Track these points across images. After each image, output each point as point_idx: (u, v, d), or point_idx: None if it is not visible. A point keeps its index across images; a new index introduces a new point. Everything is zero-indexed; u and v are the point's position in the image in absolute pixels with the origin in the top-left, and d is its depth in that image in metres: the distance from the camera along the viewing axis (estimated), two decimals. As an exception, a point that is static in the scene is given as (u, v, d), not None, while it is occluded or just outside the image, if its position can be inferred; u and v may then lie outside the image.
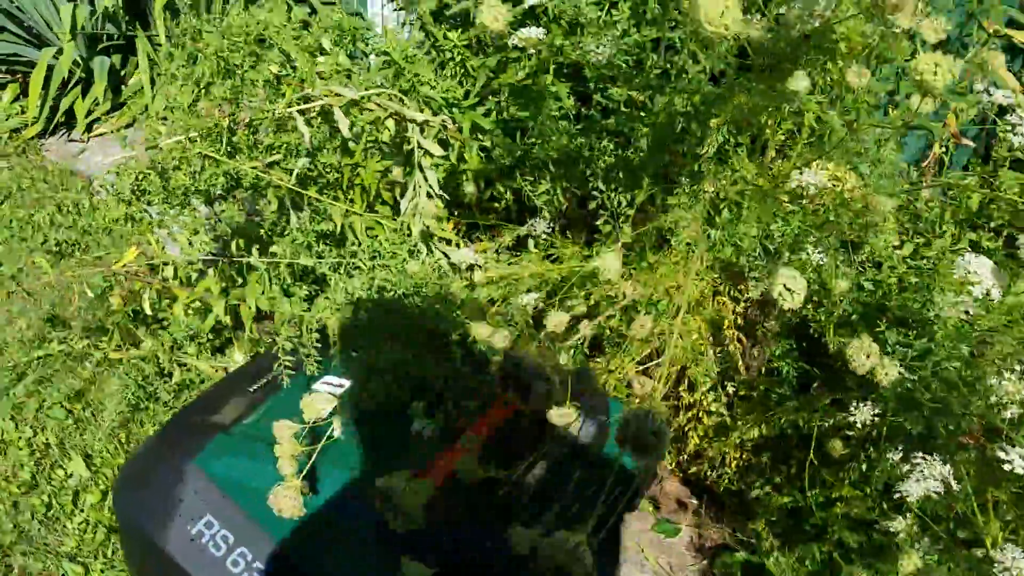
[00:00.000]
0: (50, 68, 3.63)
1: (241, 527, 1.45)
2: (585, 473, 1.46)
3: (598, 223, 1.65)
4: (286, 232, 1.93)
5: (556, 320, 1.18)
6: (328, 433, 1.44)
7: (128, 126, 3.83)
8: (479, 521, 1.43)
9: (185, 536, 1.46)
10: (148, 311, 1.67)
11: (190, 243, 1.76)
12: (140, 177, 1.79)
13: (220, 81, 1.88)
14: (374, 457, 1.50)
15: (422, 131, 1.84)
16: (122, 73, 3.90)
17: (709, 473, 1.92)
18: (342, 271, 1.80)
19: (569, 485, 1.40)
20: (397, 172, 1.86)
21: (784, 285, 0.97)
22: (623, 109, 1.77)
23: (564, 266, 1.49)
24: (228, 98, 1.84)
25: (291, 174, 1.82)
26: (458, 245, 2.03)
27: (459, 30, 2.15)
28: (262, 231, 1.93)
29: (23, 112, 3.76)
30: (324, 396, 1.33)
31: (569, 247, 1.77)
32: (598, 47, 1.38)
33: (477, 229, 2.21)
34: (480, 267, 1.86)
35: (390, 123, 1.86)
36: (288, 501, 1.27)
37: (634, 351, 1.51)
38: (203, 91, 1.90)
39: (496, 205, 2.21)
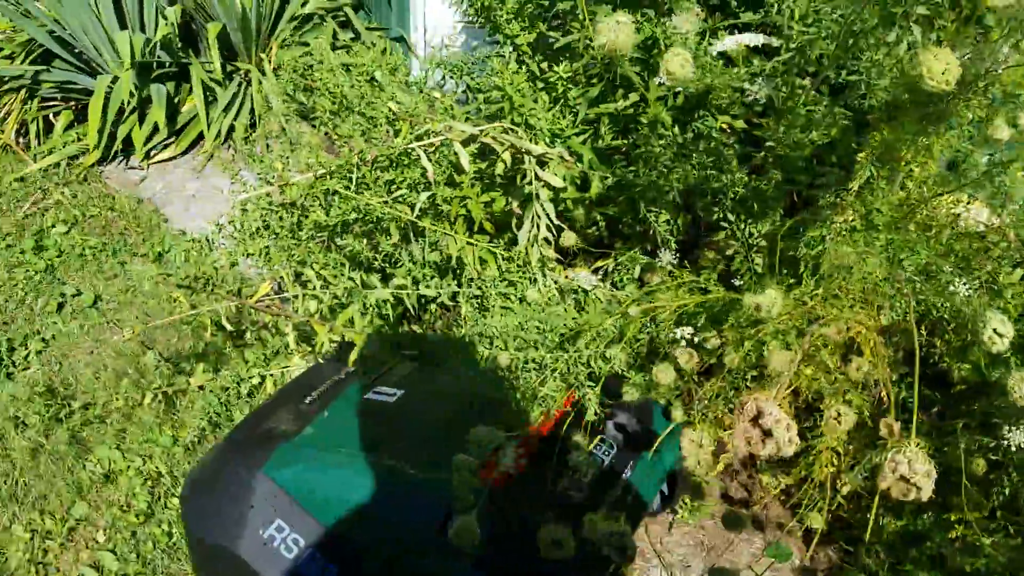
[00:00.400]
0: (106, 96, 3.67)
1: (310, 530, 1.55)
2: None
3: (728, 252, 1.69)
4: (399, 263, 1.97)
5: (780, 359, 1.21)
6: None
7: (183, 154, 3.87)
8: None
9: (257, 540, 1.56)
10: (292, 344, 1.70)
11: (318, 275, 1.80)
12: (265, 214, 1.83)
13: (343, 118, 1.92)
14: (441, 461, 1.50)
15: (539, 163, 1.89)
16: (175, 100, 3.94)
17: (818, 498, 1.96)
18: (464, 299, 1.84)
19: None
20: (514, 203, 1.90)
21: (994, 329, 1.01)
22: (723, 138, 1.82)
23: (710, 296, 1.53)
24: (352, 135, 1.88)
25: (413, 208, 1.86)
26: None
27: (559, 62, 2.20)
28: (377, 262, 1.97)
29: (79, 139, 3.79)
30: (490, 430, 1.36)
31: (686, 276, 1.82)
32: (754, 84, 1.43)
33: (571, 255, 2.25)
34: (586, 292, 1.91)
35: (506, 155, 1.90)
36: (467, 531, 1.30)
37: (775, 384, 1.55)
38: (323, 127, 1.95)
39: (589, 232, 2.26)
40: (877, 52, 1.33)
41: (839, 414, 1.20)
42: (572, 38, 2.12)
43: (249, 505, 1.60)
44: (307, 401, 1.84)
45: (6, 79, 3.95)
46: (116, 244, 3.15)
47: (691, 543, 2.05)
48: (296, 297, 1.77)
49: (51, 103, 3.98)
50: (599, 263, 2.12)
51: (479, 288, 1.85)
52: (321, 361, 1.95)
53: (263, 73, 3.98)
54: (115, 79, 3.74)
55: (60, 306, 2.83)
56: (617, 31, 1.16)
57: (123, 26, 3.90)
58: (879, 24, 1.28)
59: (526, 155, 1.89)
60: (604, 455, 1.69)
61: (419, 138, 1.86)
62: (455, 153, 1.93)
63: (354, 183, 1.76)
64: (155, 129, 3.83)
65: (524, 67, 2.21)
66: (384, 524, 1.54)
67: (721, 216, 1.71)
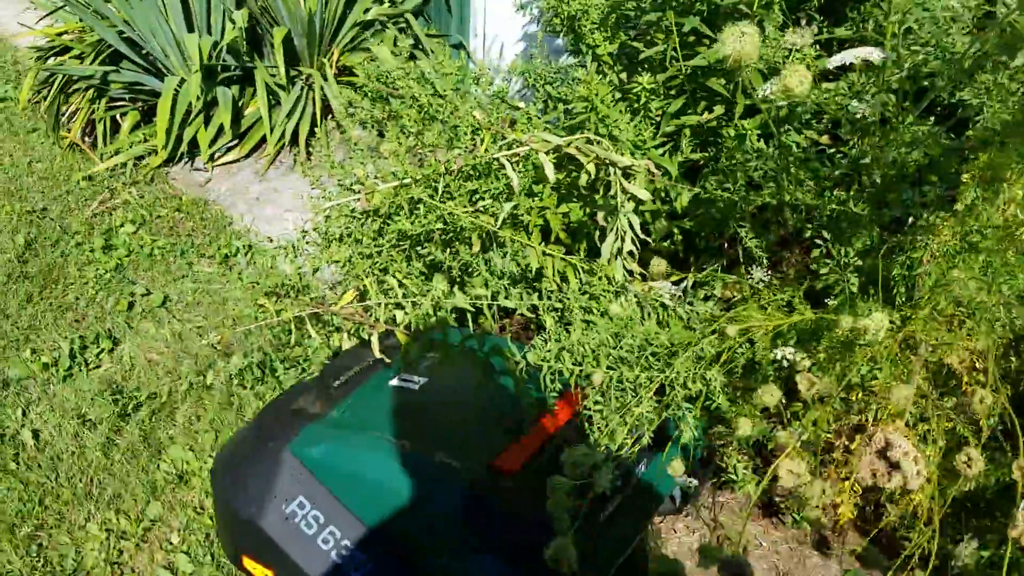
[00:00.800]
0: (174, 97, 3.73)
1: (331, 508, 1.60)
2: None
3: (822, 272, 1.66)
4: (475, 272, 1.96)
5: (901, 393, 1.18)
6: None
7: (247, 157, 3.91)
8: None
9: (280, 515, 1.61)
10: (376, 352, 1.70)
11: (400, 283, 1.80)
12: (348, 221, 1.83)
13: (427, 127, 1.92)
14: (460, 447, 1.64)
15: (624, 175, 1.87)
16: (239, 104, 3.98)
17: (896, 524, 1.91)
18: (545, 311, 1.82)
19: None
20: (599, 215, 1.88)
21: None
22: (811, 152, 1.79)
23: (806, 316, 1.50)
24: (436, 144, 1.88)
25: (497, 218, 1.85)
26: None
27: (638, 73, 2.18)
28: (455, 271, 1.96)
29: (146, 140, 3.84)
30: (585, 451, 1.34)
31: (771, 293, 1.78)
32: (860, 102, 1.40)
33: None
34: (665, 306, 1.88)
35: (590, 167, 1.89)
36: (564, 552, 1.28)
37: (871, 409, 1.51)
38: (408, 136, 1.95)
39: (664, 246, 2.23)
40: (999, 75, 1.29)
41: (969, 459, 1.15)
42: (656, 50, 2.10)
43: (274, 481, 1.65)
44: (336, 385, 1.89)
45: (76, 79, 4.03)
46: (184, 245, 3.19)
47: (765, 567, 2.01)
48: (379, 305, 1.77)
49: (118, 103, 4.05)
50: (674, 277, 2.09)
51: (559, 300, 1.83)
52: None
53: (325, 78, 4.01)
54: (182, 81, 3.79)
55: (131, 305, 2.87)
56: (743, 41, 1.14)
57: (190, 29, 3.96)
58: (1001, 48, 1.24)
59: (611, 167, 1.87)
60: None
61: (502, 148, 1.85)
62: (536, 164, 1.92)
63: (439, 192, 1.75)
64: (219, 132, 3.88)
65: (605, 77, 2.19)
66: (399, 505, 1.56)
67: (814, 233, 1.67)
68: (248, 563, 1.71)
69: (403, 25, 4.53)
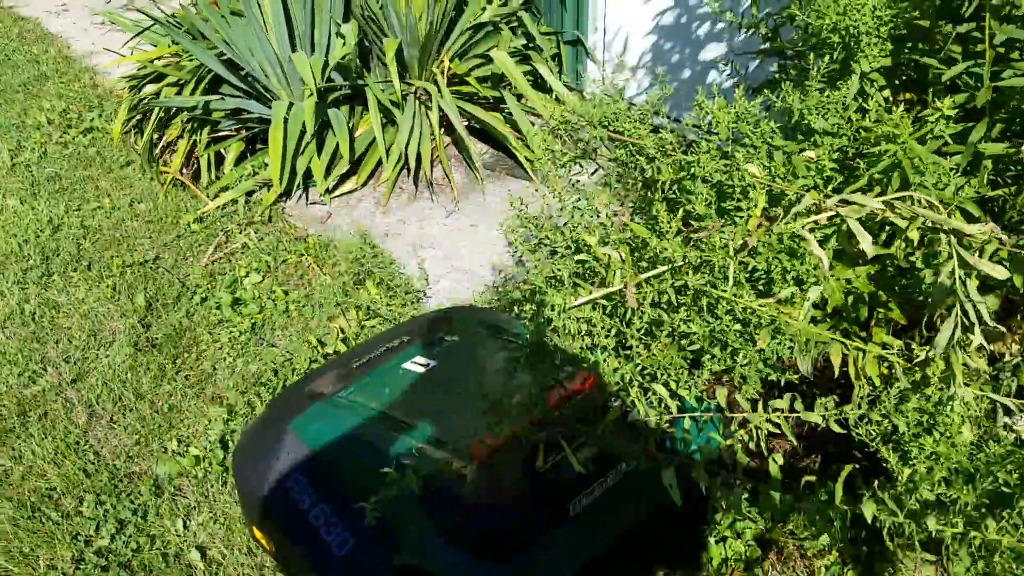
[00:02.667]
0: (284, 124, 3.37)
1: (323, 486, 1.65)
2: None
3: None
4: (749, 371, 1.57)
5: None
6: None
7: (364, 184, 3.56)
8: None
9: (279, 490, 1.68)
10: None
11: (674, 394, 1.42)
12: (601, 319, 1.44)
13: (689, 185, 1.53)
14: (444, 431, 1.67)
15: (959, 241, 1.45)
16: (350, 125, 3.62)
17: None
18: (865, 428, 1.43)
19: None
20: (934, 297, 1.47)
21: None
22: None
23: None
24: (707, 214, 1.49)
25: (797, 306, 1.45)
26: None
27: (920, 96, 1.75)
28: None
29: (255, 173, 3.50)
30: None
31: None
32: None
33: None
34: None
35: (913, 233, 1.48)
36: None
37: None
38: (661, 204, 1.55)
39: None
40: None
41: None
42: (959, 68, 1.68)
43: (276, 457, 1.72)
44: (355, 366, 1.99)
45: (173, 111, 3.70)
46: (321, 297, 2.84)
47: None
48: (648, 422, 1.39)
49: (220, 133, 3.71)
50: None
51: (881, 412, 1.43)
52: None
53: (439, 91, 3.63)
54: (290, 106, 3.44)
55: (275, 372, 2.54)
56: None
57: (292, 47, 3.60)
58: None
59: (944, 234, 1.46)
60: None
61: (798, 216, 1.45)
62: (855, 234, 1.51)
63: (731, 281, 1.36)
64: (332, 159, 3.53)
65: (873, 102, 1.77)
66: (378, 486, 1.50)
67: None
68: (257, 533, 1.79)
69: (514, 24, 4.12)
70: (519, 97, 3.88)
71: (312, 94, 3.30)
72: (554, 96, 4.01)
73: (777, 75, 2.08)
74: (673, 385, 1.42)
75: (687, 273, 1.44)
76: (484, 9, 3.86)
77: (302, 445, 1.72)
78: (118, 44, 4.27)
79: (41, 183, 3.75)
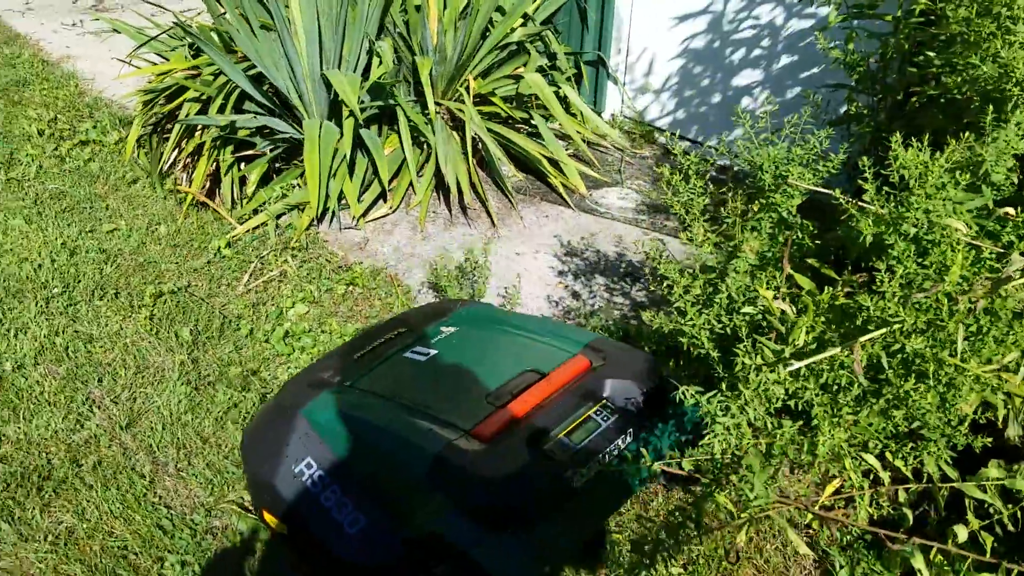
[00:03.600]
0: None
1: (333, 468, 1.73)
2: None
3: None
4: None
5: None
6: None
7: (397, 208, 3.44)
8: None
9: (290, 475, 1.77)
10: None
11: (887, 465, 1.37)
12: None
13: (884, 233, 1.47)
14: (447, 414, 1.81)
15: None
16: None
17: None
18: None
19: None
20: None
21: None
22: None
23: None
24: (910, 271, 1.44)
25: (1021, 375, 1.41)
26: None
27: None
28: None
29: (284, 196, 3.34)
30: None
31: None
32: None
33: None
34: None
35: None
36: None
37: None
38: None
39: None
40: None
41: None
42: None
43: (286, 443, 1.81)
44: (358, 356, 2.10)
45: (198, 128, 3.51)
46: (377, 331, 2.72)
47: None
48: (862, 500, 1.34)
49: (242, 151, 3.54)
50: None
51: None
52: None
53: (467, 111, 3.53)
54: (320, 124, 3.30)
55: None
56: None
57: (322, 63, 3.46)
58: None
59: None
60: (603, 420, 1.82)
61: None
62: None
63: (960, 346, 1.31)
64: (364, 181, 3.40)
65: None
66: (388, 467, 1.71)
67: None
68: (267, 516, 1.83)
69: (537, 43, 4.05)
70: (546, 118, 3.81)
71: (351, 115, 3.17)
72: (582, 118, 3.96)
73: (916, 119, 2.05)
74: (889, 456, 1.38)
75: (908, 336, 1.39)
76: (514, 30, 3.77)
77: (312, 431, 1.81)
78: (95, 49, 4.04)
79: (44, 201, 3.51)
